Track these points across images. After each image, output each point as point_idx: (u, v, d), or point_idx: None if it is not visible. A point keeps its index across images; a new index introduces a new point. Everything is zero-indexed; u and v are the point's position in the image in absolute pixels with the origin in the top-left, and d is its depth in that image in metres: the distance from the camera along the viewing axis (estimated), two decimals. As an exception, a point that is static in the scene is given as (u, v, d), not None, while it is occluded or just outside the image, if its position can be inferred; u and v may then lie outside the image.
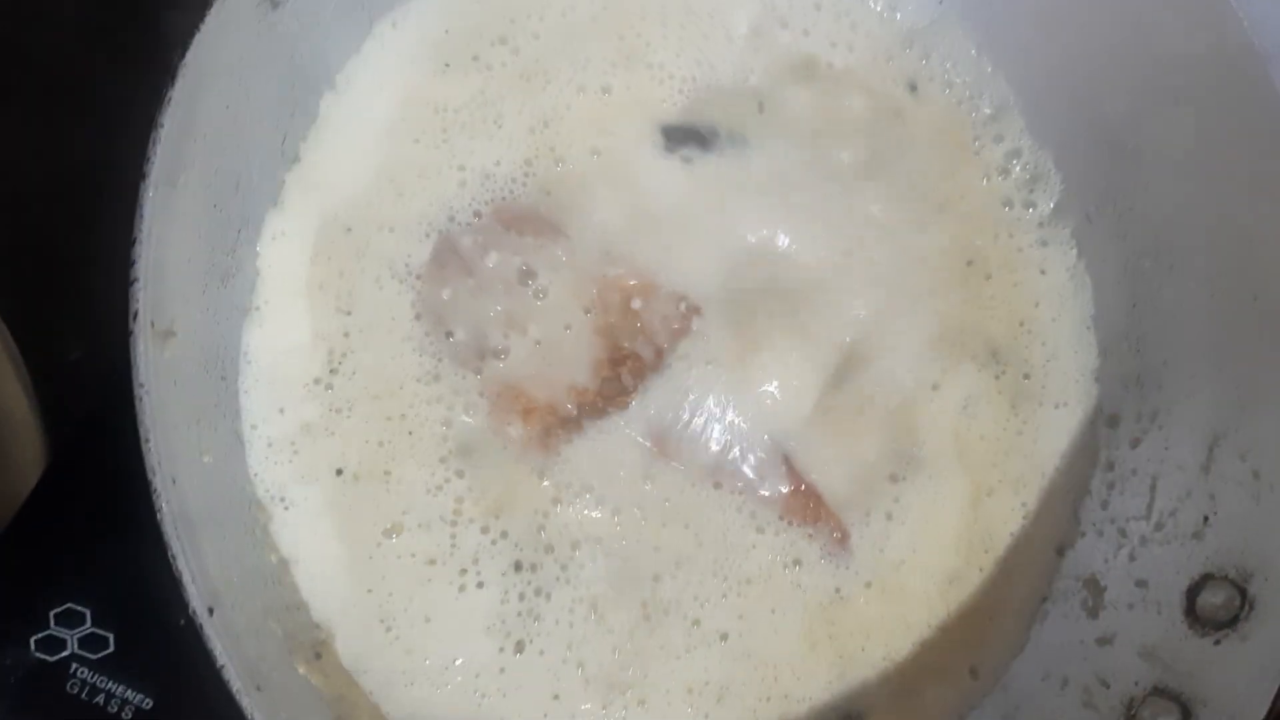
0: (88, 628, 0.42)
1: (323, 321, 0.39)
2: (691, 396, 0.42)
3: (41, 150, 0.51)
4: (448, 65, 0.42)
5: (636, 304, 0.42)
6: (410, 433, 0.39)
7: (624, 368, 0.41)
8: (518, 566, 0.39)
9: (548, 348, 0.41)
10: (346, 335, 0.40)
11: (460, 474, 0.39)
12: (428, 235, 0.41)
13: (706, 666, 0.40)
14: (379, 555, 0.38)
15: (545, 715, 0.38)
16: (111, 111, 0.49)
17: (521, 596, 0.39)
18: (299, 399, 0.39)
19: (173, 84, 0.30)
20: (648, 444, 0.41)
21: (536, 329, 0.41)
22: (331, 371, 0.39)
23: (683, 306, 0.42)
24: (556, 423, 0.40)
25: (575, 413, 0.41)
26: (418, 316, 0.40)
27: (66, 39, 0.51)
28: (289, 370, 0.39)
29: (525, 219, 0.42)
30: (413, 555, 0.38)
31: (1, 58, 0.51)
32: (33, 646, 0.41)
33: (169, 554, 0.29)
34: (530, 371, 0.41)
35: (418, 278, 0.41)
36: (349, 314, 0.40)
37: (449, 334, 0.40)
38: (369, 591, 0.38)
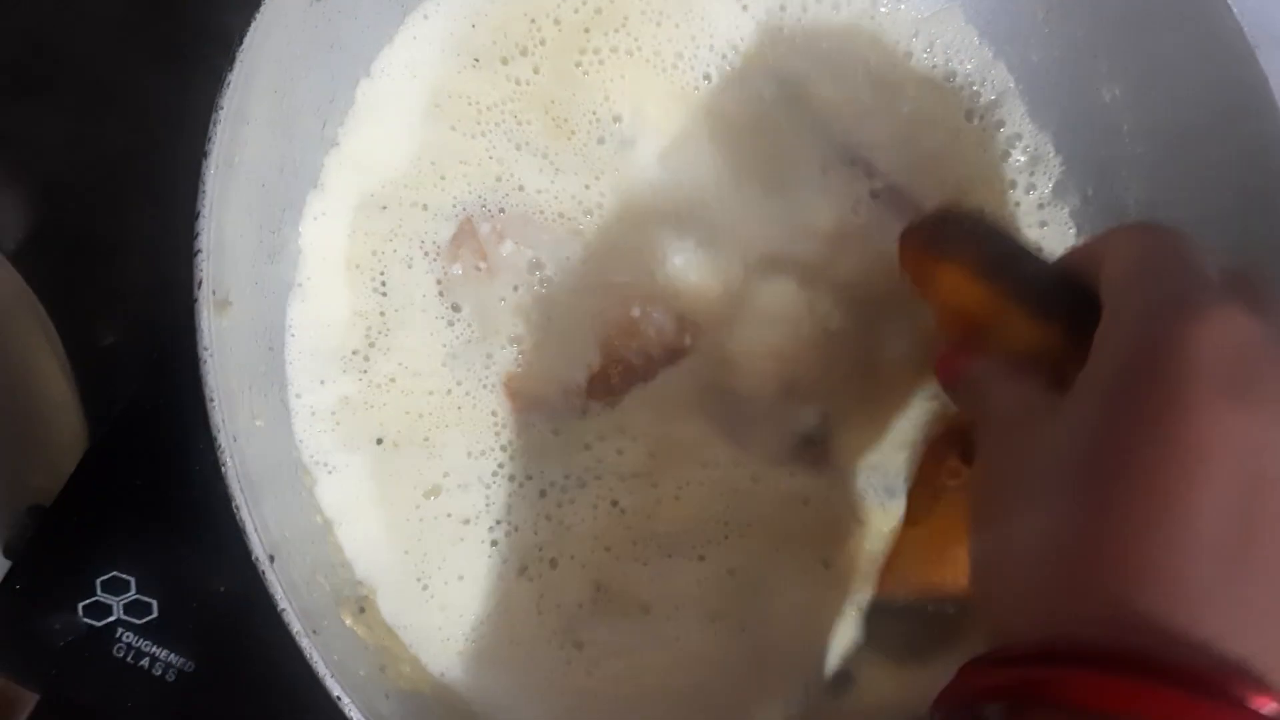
0: (132, 594, 0.43)
1: (360, 299, 0.41)
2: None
3: (77, 140, 0.51)
4: (477, 60, 0.43)
5: (636, 312, 0.43)
6: (446, 406, 0.41)
7: (615, 372, 0.43)
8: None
9: (545, 341, 0.42)
10: (382, 314, 0.41)
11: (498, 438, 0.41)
12: (457, 218, 0.42)
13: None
14: (415, 517, 0.40)
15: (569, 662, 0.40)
16: (146, 102, 0.50)
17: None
18: (338, 372, 0.40)
19: (231, 68, 0.32)
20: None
21: (538, 318, 0.42)
22: (370, 345, 0.41)
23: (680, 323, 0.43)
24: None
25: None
26: (441, 294, 0.42)
27: (100, 31, 0.52)
28: (329, 344, 0.40)
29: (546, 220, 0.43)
30: (449, 515, 0.40)
31: (36, 49, 0.52)
32: (80, 612, 0.43)
33: (233, 505, 0.31)
34: (526, 361, 0.42)
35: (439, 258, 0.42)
36: (384, 294, 0.41)
37: (455, 307, 0.42)
38: (406, 553, 0.39)
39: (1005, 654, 0.29)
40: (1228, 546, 0.27)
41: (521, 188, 0.43)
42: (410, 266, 0.41)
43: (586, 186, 0.43)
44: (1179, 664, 0.26)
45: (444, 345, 0.41)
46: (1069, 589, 0.28)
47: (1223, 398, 0.28)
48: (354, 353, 0.40)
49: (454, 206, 0.42)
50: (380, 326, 0.41)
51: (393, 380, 0.40)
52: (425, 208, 0.42)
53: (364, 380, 0.40)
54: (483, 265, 0.42)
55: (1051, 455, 0.30)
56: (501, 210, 0.42)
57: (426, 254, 0.41)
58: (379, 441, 0.40)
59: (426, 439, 0.40)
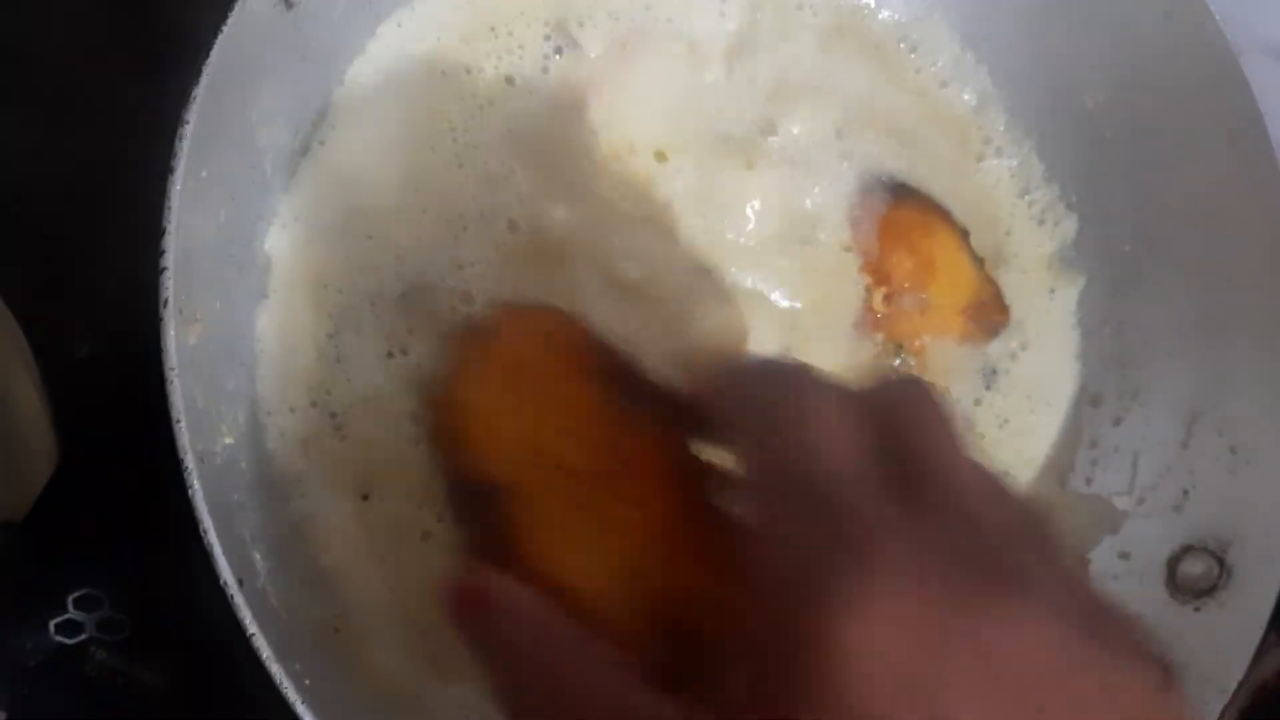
0: (105, 612, 0.43)
1: (324, 320, 0.40)
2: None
3: (48, 149, 0.50)
4: (444, 74, 0.42)
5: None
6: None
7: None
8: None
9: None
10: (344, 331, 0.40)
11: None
12: (430, 233, 0.41)
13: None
14: (393, 531, 0.39)
15: None
16: (117, 111, 0.49)
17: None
18: (305, 391, 0.39)
19: (197, 82, 0.32)
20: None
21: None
22: (337, 361, 0.40)
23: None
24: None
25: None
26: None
27: (70, 37, 0.51)
28: (296, 362, 0.39)
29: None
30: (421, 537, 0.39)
31: (3, 55, 0.51)
32: (52, 630, 0.42)
33: (200, 528, 0.30)
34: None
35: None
36: (348, 310, 0.40)
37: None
38: (382, 570, 0.39)
39: None
40: None
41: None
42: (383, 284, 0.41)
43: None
44: None
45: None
46: None
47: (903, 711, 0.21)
48: (322, 374, 0.39)
49: (423, 222, 0.41)
50: (345, 343, 0.40)
51: (357, 402, 0.39)
52: (397, 223, 0.41)
53: (328, 398, 0.39)
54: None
55: None
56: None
57: (399, 275, 0.41)
58: (349, 469, 0.39)
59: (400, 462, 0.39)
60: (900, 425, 0.26)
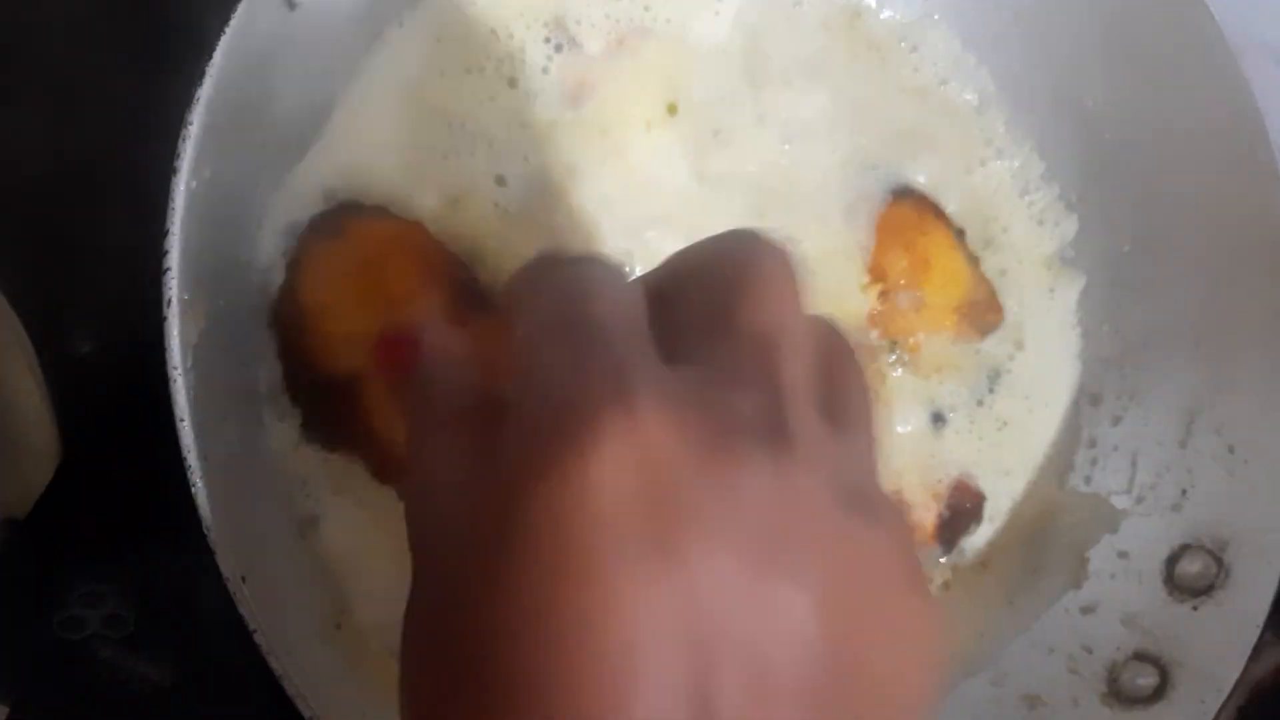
0: (108, 609, 0.43)
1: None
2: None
3: (51, 146, 0.50)
4: (443, 73, 0.43)
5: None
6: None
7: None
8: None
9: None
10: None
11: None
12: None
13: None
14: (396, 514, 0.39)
15: None
16: (120, 108, 0.49)
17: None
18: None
19: (200, 83, 0.32)
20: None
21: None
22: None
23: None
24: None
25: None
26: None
27: (70, 33, 0.51)
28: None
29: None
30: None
31: (5, 52, 0.51)
32: (56, 626, 0.42)
33: (203, 526, 0.30)
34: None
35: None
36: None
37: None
38: (386, 562, 0.39)
39: None
40: None
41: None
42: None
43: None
44: None
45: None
46: None
47: (636, 552, 0.20)
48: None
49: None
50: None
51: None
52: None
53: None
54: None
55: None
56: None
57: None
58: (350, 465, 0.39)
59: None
60: (712, 284, 0.25)
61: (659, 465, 0.21)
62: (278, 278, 0.39)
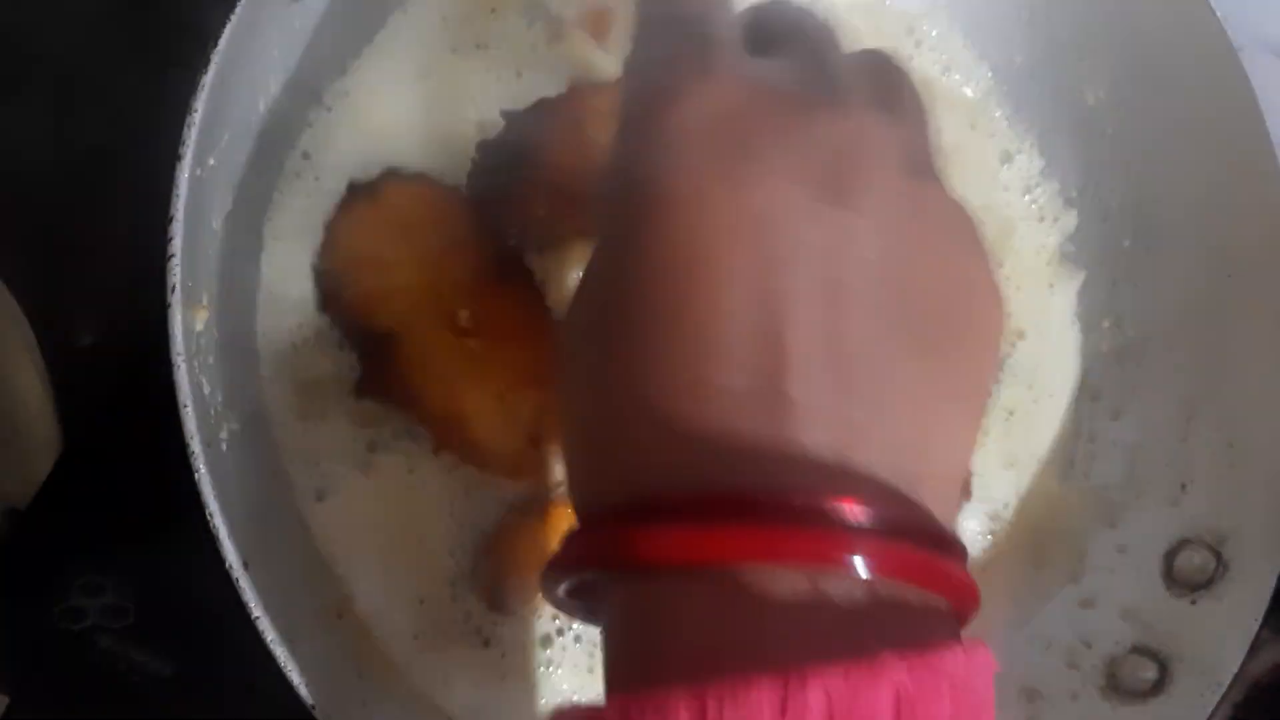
0: (109, 598, 0.43)
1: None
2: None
3: (54, 138, 0.51)
4: (454, 50, 0.43)
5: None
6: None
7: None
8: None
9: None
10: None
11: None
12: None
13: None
14: (402, 505, 0.39)
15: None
16: (122, 100, 0.50)
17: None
18: (309, 381, 0.40)
19: (205, 70, 0.32)
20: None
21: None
22: (339, 348, 0.40)
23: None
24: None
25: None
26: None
27: (74, 27, 0.51)
28: (301, 352, 0.40)
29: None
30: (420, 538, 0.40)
31: (7, 46, 0.51)
32: (56, 616, 0.42)
33: (206, 512, 0.30)
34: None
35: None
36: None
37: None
38: (389, 553, 0.39)
39: (591, 521, 0.26)
40: (778, 352, 0.23)
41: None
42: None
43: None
44: (758, 499, 0.23)
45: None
46: (624, 445, 0.25)
47: (710, 181, 0.24)
48: (329, 365, 0.39)
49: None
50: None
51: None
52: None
53: (333, 388, 0.39)
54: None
55: (594, 297, 0.27)
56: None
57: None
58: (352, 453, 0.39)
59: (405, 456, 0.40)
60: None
61: (731, 116, 0.25)
62: (281, 273, 0.39)
